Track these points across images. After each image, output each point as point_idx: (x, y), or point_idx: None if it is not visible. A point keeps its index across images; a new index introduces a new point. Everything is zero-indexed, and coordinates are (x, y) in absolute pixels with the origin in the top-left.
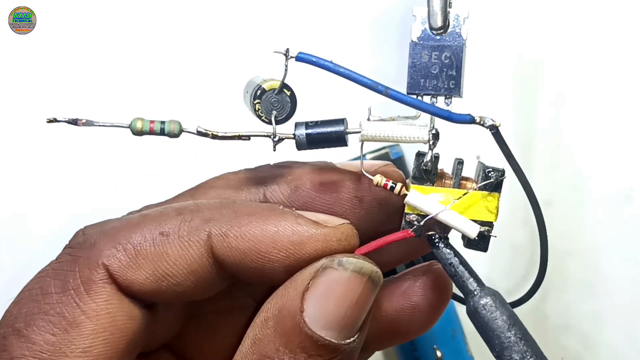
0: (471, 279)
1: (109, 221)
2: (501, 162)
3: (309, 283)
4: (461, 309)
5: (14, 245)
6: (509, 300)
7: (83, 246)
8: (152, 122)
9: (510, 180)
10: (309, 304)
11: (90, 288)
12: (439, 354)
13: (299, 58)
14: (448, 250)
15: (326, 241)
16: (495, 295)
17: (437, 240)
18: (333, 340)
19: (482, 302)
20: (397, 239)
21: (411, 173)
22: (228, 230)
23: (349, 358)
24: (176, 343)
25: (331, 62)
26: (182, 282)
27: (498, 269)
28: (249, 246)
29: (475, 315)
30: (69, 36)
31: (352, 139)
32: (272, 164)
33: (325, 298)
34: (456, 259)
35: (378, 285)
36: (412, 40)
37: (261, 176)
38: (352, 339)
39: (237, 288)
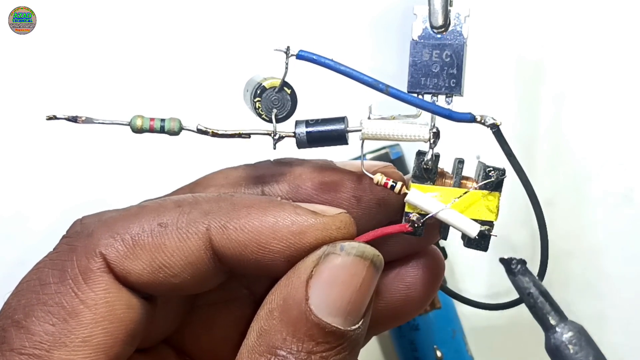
0: (552, 312)
1: (107, 211)
2: (501, 162)
3: (312, 270)
4: (461, 309)
5: (12, 239)
6: (508, 299)
7: (80, 235)
8: (152, 119)
9: (511, 180)
10: (313, 292)
11: (89, 277)
12: (439, 354)
13: (300, 56)
14: (527, 279)
15: (326, 230)
16: (580, 331)
17: (514, 266)
18: (340, 327)
19: (564, 338)
20: (394, 232)
21: (412, 172)
22: (227, 222)
23: (355, 345)
24: (174, 337)
25: (332, 60)
26: (179, 274)
27: (498, 268)
28: (249, 238)
29: (556, 353)
30: (69, 36)
31: (352, 138)
32: (272, 160)
33: (329, 284)
34: (535, 289)
35: (380, 270)
36: (412, 39)
37: (261, 173)
38: (357, 325)
39: (231, 279)
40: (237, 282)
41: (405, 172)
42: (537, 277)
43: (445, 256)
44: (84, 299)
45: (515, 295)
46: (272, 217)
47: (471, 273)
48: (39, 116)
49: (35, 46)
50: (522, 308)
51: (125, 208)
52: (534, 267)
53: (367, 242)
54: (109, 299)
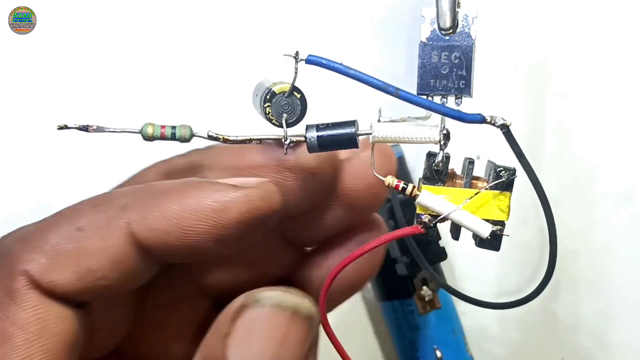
0: None
1: (25, 227)
2: (501, 161)
3: (229, 327)
4: (461, 309)
5: None
6: (508, 299)
7: (1, 258)
8: (162, 127)
9: (516, 179)
10: (231, 351)
11: (15, 297)
12: (438, 354)
13: (309, 61)
14: None
15: (249, 202)
16: None
17: None
18: None
19: None
20: (406, 234)
21: (422, 173)
22: (146, 212)
23: None
24: (125, 346)
25: (341, 64)
26: (107, 275)
27: (500, 268)
28: (171, 224)
29: None
30: (69, 36)
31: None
32: (202, 147)
33: (247, 341)
34: None
35: (310, 321)
36: (421, 41)
37: (192, 160)
38: None
39: (173, 278)
40: (183, 279)
41: (406, 171)
42: None
43: (445, 256)
44: (15, 320)
45: (520, 296)
46: (191, 199)
47: (471, 273)
48: (39, 117)
49: (35, 46)
50: (532, 306)
51: (41, 219)
52: (541, 267)
53: (377, 247)
54: (40, 315)
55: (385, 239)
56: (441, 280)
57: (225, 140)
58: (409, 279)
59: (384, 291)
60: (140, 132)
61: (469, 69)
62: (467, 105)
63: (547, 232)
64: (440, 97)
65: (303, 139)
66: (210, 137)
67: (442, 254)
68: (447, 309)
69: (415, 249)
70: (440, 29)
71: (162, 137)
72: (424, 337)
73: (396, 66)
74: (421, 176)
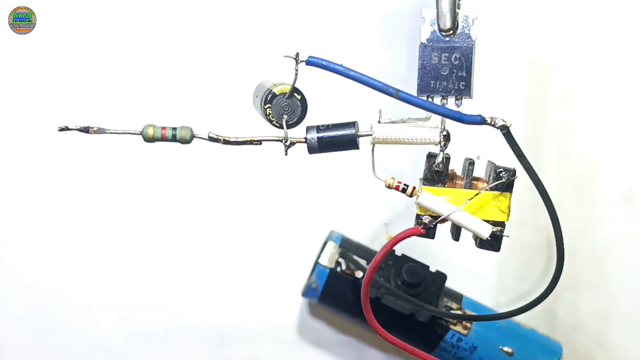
0: None
1: None
2: (502, 161)
3: None
4: None
5: None
6: (514, 296)
7: None
8: (163, 128)
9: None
10: None
11: None
12: (508, 349)
13: (310, 62)
14: None
15: None
16: None
17: None
18: None
19: None
20: (408, 236)
21: (422, 174)
22: None
23: None
24: None
25: (341, 65)
26: None
27: (506, 268)
28: None
29: None
30: (69, 36)
31: (363, 142)
32: None
33: None
34: None
35: None
36: (421, 42)
37: None
38: None
39: None
40: None
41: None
42: None
43: (445, 276)
44: None
45: (518, 295)
46: None
47: (474, 275)
48: (38, 116)
49: (35, 46)
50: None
51: None
52: (539, 266)
53: (386, 254)
54: None
55: (392, 244)
56: (430, 309)
57: (225, 142)
58: (436, 318)
59: (427, 343)
60: (141, 134)
61: (469, 70)
62: (467, 106)
63: (546, 232)
64: (441, 98)
65: (303, 140)
66: (210, 139)
67: (441, 277)
68: (480, 312)
69: (411, 300)
70: (440, 30)
71: (163, 139)
72: (486, 348)
73: (396, 67)
74: (421, 177)
